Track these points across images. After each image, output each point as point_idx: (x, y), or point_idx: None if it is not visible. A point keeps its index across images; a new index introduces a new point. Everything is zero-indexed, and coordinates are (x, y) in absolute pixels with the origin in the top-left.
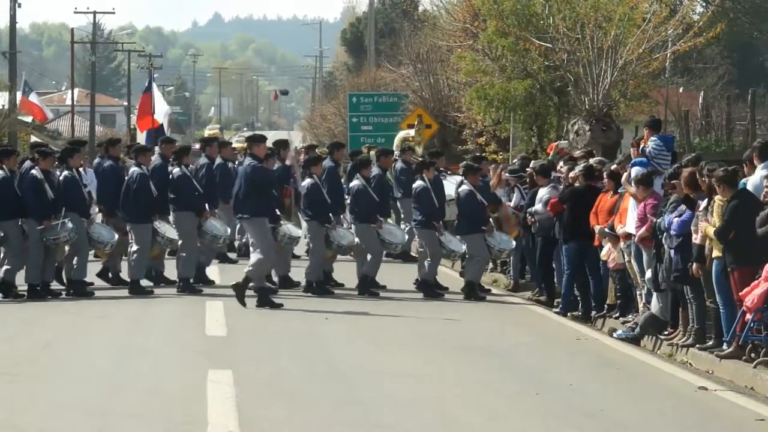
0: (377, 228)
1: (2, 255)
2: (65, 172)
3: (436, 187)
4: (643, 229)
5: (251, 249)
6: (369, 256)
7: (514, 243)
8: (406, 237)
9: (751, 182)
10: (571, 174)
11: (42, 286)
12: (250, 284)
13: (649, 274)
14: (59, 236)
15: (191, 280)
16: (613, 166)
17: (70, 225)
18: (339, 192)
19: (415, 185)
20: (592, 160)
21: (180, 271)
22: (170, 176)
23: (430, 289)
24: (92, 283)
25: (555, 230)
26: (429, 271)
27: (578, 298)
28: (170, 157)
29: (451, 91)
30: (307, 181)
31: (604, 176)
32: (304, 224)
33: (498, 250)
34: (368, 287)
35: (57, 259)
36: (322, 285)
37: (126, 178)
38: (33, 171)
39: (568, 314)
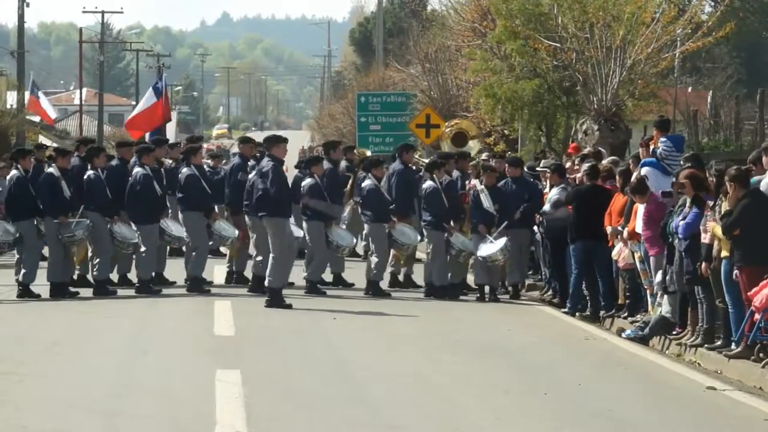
0: (390, 228)
1: (18, 257)
2: (90, 172)
3: (451, 188)
4: (656, 275)
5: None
6: (374, 259)
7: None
8: (419, 238)
9: (764, 183)
10: (577, 174)
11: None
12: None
13: (658, 277)
14: (74, 234)
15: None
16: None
17: (86, 222)
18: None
19: (424, 186)
20: (604, 161)
21: (189, 270)
22: (179, 176)
23: (434, 290)
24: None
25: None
26: (437, 274)
27: (587, 298)
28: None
29: (459, 91)
30: (308, 181)
31: (616, 176)
32: (305, 224)
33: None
34: (378, 292)
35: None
36: (314, 285)
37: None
38: (50, 169)
39: (577, 314)
